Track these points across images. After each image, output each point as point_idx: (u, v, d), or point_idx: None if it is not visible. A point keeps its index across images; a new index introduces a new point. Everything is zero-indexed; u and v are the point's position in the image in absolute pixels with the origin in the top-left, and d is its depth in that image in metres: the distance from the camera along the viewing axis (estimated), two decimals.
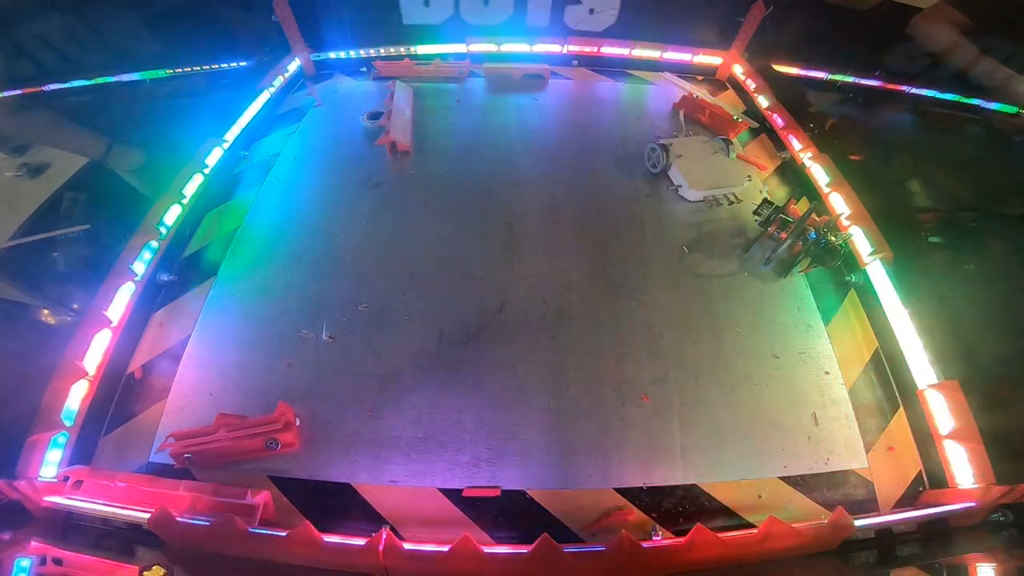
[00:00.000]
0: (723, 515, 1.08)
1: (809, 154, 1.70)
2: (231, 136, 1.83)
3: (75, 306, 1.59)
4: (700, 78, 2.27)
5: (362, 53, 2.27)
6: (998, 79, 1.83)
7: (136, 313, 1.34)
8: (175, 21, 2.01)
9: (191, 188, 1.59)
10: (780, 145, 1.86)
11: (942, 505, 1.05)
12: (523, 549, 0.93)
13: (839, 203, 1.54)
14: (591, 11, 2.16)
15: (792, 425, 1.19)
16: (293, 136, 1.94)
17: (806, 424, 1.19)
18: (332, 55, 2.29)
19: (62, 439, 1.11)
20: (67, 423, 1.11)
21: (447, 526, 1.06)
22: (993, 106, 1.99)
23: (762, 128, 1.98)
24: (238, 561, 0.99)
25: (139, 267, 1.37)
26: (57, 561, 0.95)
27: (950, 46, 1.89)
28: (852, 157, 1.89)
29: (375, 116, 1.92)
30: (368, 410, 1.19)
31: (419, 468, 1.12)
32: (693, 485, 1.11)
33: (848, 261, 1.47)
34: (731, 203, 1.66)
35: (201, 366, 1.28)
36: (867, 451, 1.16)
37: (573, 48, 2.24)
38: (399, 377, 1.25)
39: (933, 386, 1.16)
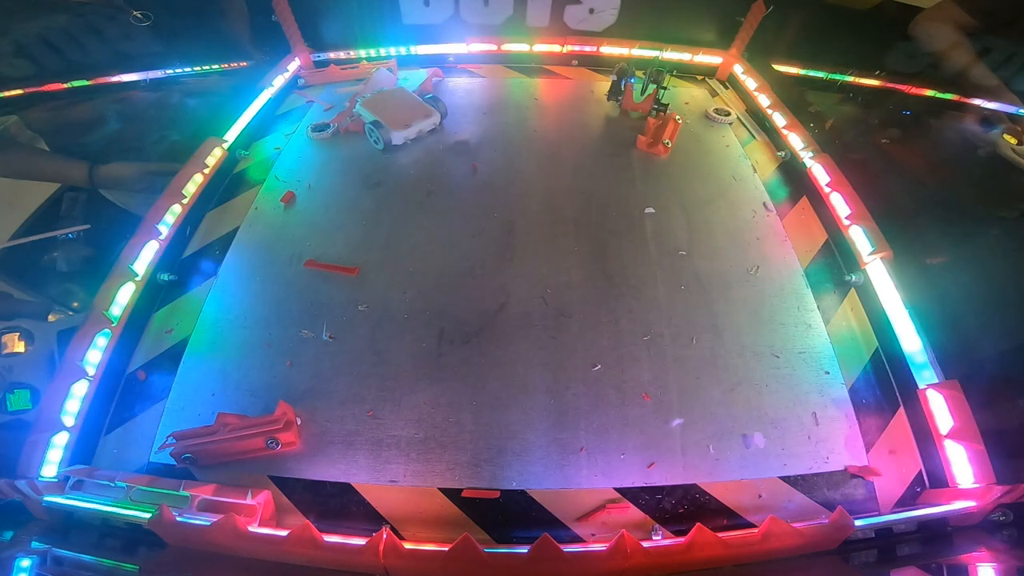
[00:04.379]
0: (723, 515, 1.08)
1: (810, 153, 1.70)
2: (231, 136, 1.83)
3: (75, 305, 1.59)
4: (700, 77, 2.27)
5: (362, 53, 2.28)
6: (990, 85, 1.83)
7: (136, 313, 1.34)
8: (175, 21, 2.01)
9: (191, 188, 1.60)
10: (781, 144, 1.86)
11: (942, 505, 1.05)
12: (523, 549, 0.93)
13: (840, 202, 1.54)
14: (591, 11, 2.16)
15: (792, 425, 1.19)
16: (293, 136, 1.95)
17: (806, 424, 1.19)
18: (332, 55, 2.29)
19: (62, 439, 1.11)
20: (67, 423, 1.11)
21: (447, 526, 1.06)
22: (993, 106, 1.99)
23: (763, 128, 1.98)
24: (238, 561, 1.00)
25: (139, 267, 1.37)
26: (57, 561, 0.95)
27: (949, 47, 1.88)
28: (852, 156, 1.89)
29: (320, 128, 1.92)
30: (368, 410, 1.20)
31: (419, 468, 1.12)
32: (693, 485, 1.10)
33: (849, 260, 1.47)
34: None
35: (201, 366, 1.28)
36: (867, 451, 1.16)
37: (573, 48, 2.25)
38: (399, 377, 1.25)
39: (933, 386, 1.16)
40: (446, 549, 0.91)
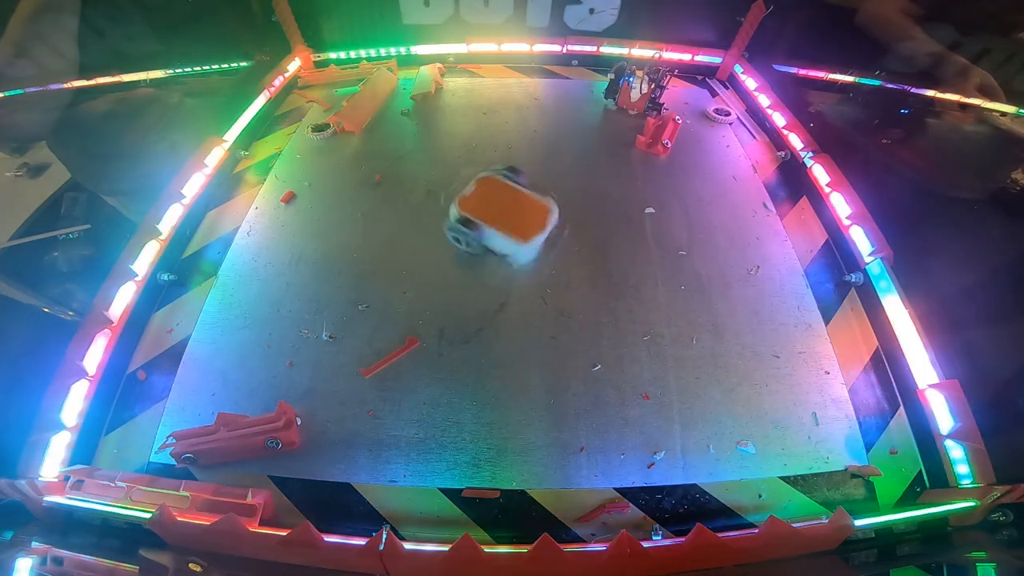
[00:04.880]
0: (723, 515, 1.08)
1: (810, 153, 1.70)
2: (231, 136, 1.83)
3: (75, 306, 1.59)
4: (700, 77, 2.27)
5: (362, 53, 2.28)
6: (950, 71, 1.79)
7: (136, 313, 1.34)
8: (175, 21, 2.01)
9: (191, 188, 1.60)
10: (781, 144, 1.86)
11: (942, 505, 1.05)
12: (523, 549, 0.93)
13: (840, 202, 1.54)
14: (591, 11, 2.16)
15: (792, 425, 1.19)
16: (293, 136, 1.95)
17: (806, 424, 1.19)
18: (332, 55, 2.29)
19: (62, 439, 1.11)
20: (67, 423, 1.11)
21: (447, 526, 1.06)
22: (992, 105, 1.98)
23: (763, 128, 1.98)
24: (238, 561, 1.00)
25: (139, 267, 1.37)
26: (57, 561, 0.95)
27: (901, 35, 1.86)
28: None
29: (320, 128, 1.92)
30: (368, 410, 1.20)
31: (419, 468, 1.12)
32: (693, 485, 1.11)
33: (849, 260, 1.47)
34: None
35: (201, 366, 1.28)
36: (867, 451, 1.16)
37: (573, 48, 2.25)
38: (399, 377, 1.25)
39: (933, 386, 1.16)
40: (446, 549, 0.91)
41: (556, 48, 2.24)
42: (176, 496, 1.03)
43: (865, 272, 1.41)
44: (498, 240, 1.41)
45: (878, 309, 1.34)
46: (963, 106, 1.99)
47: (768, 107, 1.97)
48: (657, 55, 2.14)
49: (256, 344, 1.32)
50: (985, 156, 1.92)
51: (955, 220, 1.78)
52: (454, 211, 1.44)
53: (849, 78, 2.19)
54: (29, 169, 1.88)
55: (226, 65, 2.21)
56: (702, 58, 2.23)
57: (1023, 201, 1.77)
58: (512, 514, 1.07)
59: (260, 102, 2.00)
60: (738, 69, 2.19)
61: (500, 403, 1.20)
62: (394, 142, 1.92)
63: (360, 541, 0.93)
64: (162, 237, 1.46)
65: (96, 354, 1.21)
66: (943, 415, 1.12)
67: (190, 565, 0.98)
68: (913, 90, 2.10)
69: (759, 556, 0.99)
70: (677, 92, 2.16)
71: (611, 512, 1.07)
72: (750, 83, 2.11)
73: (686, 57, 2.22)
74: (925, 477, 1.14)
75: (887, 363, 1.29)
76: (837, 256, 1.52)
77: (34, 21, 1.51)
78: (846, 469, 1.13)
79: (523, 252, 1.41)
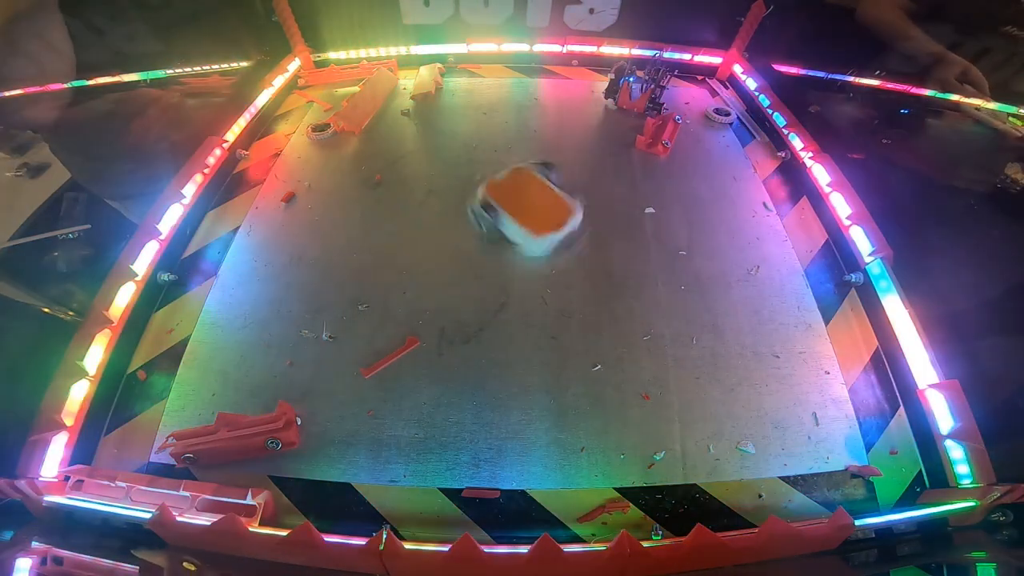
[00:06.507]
0: (723, 515, 1.08)
1: (810, 153, 1.70)
2: (231, 136, 1.83)
3: (75, 306, 1.59)
4: (700, 77, 2.27)
5: (362, 53, 2.28)
6: (935, 51, 1.79)
7: (136, 313, 1.34)
8: (175, 21, 2.01)
9: (191, 188, 1.60)
10: (781, 144, 1.86)
11: (942, 505, 1.05)
12: (523, 549, 0.93)
13: (840, 202, 1.54)
14: (591, 11, 2.16)
15: (792, 425, 1.19)
16: (293, 136, 1.95)
17: (806, 424, 1.19)
18: (332, 55, 2.29)
19: (62, 439, 1.11)
20: (67, 423, 1.11)
21: (447, 526, 1.06)
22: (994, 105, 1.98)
23: (763, 128, 1.98)
24: (238, 561, 1.00)
25: (139, 267, 1.37)
26: (57, 561, 0.95)
27: (900, 34, 1.86)
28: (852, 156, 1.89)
29: (320, 128, 1.92)
30: (368, 410, 1.20)
31: (419, 468, 1.12)
32: (693, 485, 1.11)
33: (849, 260, 1.47)
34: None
35: (201, 366, 1.28)
36: (867, 451, 1.16)
37: (573, 47, 2.25)
38: (399, 377, 1.25)
39: (933, 386, 1.16)
40: (446, 549, 0.91)
41: (556, 48, 2.24)
42: (176, 496, 1.03)
43: (865, 272, 1.41)
44: (512, 228, 1.45)
45: (878, 309, 1.34)
46: (963, 106, 1.99)
47: (768, 107, 1.97)
48: (657, 55, 2.14)
49: (256, 344, 1.32)
50: (985, 155, 1.92)
51: (955, 220, 1.78)
52: (480, 193, 1.49)
53: (849, 78, 2.19)
54: (29, 169, 1.88)
55: (226, 65, 2.21)
56: (702, 58, 2.23)
57: (1023, 201, 1.77)
58: (512, 514, 1.07)
59: (260, 102, 2.00)
60: (738, 69, 2.19)
61: (500, 403, 1.21)
62: (394, 142, 1.92)
63: (360, 541, 0.93)
64: (162, 237, 1.46)
65: (96, 354, 1.21)
66: (943, 415, 1.12)
67: (184, 564, 0.98)
68: (913, 90, 2.10)
69: (759, 556, 0.99)
70: (677, 92, 2.17)
71: (611, 512, 1.07)
72: (750, 83, 2.11)
73: (686, 57, 2.22)
74: (925, 477, 1.14)
75: (887, 363, 1.29)
76: (837, 256, 1.52)
77: (12, 22, 1.50)
78: (846, 469, 1.13)
79: (533, 245, 1.45)
